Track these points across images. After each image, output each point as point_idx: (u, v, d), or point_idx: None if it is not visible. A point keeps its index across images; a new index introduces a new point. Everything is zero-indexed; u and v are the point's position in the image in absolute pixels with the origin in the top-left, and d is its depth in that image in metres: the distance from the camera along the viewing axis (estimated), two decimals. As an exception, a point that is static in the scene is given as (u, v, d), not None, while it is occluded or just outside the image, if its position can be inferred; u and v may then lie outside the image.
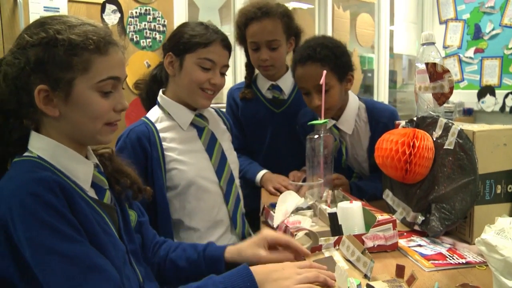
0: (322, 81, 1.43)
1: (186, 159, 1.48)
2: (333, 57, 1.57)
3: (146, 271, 1.10)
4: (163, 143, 1.46)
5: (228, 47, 1.51)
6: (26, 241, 0.80)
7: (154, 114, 1.54)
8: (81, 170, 0.96)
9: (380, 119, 1.69)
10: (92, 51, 0.91)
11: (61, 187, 0.85)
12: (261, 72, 1.97)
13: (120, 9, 2.68)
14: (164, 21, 2.84)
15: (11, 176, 0.88)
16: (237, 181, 1.62)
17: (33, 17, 2.37)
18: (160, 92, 1.56)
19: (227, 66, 1.53)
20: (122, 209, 1.07)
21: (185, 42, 1.46)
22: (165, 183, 1.46)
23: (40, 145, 0.93)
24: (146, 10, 2.78)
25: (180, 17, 2.90)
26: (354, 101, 1.73)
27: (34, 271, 0.80)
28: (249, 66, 2.01)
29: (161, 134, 1.47)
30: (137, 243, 1.10)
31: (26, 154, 0.93)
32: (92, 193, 0.98)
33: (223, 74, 1.53)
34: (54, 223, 0.81)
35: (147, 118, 1.51)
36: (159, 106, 1.55)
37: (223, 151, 1.58)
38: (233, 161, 1.63)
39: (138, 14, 2.76)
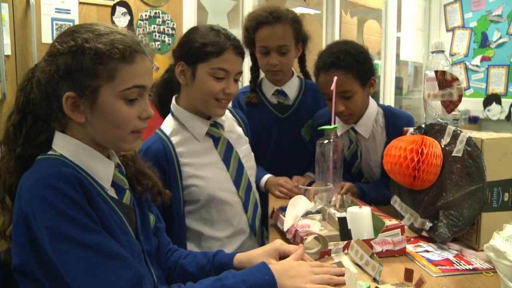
0: (333, 87, 1.45)
1: (204, 173, 1.46)
2: (356, 64, 1.58)
3: (159, 273, 1.12)
4: (179, 158, 1.44)
5: (241, 53, 1.47)
6: (45, 230, 0.82)
7: (169, 125, 1.51)
8: (101, 169, 0.98)
9: (398, 125, 1.68)
10: (117, 60, 0.92)
11: (80, 183, 0.87)
12: (269, 77, 1.96)
13: (130, 12, 2.71)
14: (173, 24, 2.87)
15: (33, 171, 0.91)
16: (254, 187, 1.60)
17: (45, 19, 2.41)
18: (173, 101, 1.53)
19: (241, 72, 1.49)
20: (141, 210, 1.09)
21: (197, 52, 1.41)
22: (182, 198, 1.44)
23: (62, 144, 0.96)
24: (155, 13, 2.80)
25: (189, 20, 2.92)
26: (373, 106, 1.74)
27: (54, 261, 0.82)
28: (254, 70, 1.99)
29: (177, 149, 1.45)
30: (153, 245, 1.12)
31: (49, 152, 0.96)
32: (112, 192, 1.00)
33: (236, 81, 1.49)
34: (72, 214, 0.83)
35: (162, 132, 1.48)
36: (173, 116, 1.52)
37: (239, 159, 1.55)
38: (250, 166, 1.60)
39: (147, 17, 2.78)
